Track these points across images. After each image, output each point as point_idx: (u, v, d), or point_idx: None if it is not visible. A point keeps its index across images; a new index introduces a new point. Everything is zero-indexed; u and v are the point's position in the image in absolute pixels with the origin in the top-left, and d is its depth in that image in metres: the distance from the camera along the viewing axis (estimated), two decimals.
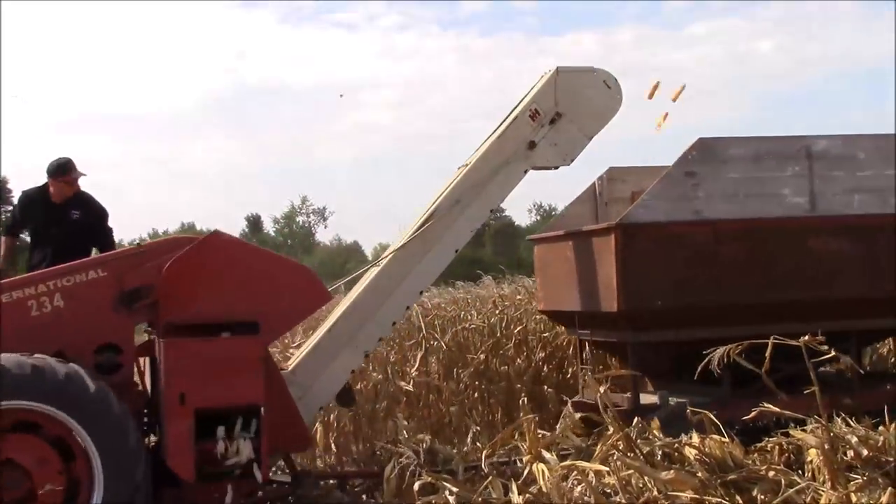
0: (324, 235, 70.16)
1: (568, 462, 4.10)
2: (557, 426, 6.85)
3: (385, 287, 6.91)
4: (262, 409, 5.68)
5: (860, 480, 3.97)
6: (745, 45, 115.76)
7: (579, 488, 3.92)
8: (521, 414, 4.48)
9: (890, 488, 3.87)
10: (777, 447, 4.63)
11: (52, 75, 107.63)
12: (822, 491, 3.77)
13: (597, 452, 4.17)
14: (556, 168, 7.33)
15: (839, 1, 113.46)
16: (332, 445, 9.35)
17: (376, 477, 6.88)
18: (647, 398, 7.60)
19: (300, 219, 79.64)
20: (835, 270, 7.52)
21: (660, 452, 4.38)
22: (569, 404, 8.33)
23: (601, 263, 7.37)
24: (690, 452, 4.38)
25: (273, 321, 6.04)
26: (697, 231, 7.32)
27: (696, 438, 4.48)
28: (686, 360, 7.77)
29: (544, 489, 4.06)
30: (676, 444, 4.40)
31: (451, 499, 4.45)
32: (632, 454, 4.12)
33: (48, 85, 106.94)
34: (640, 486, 3.87)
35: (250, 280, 6.05)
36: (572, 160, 7.25)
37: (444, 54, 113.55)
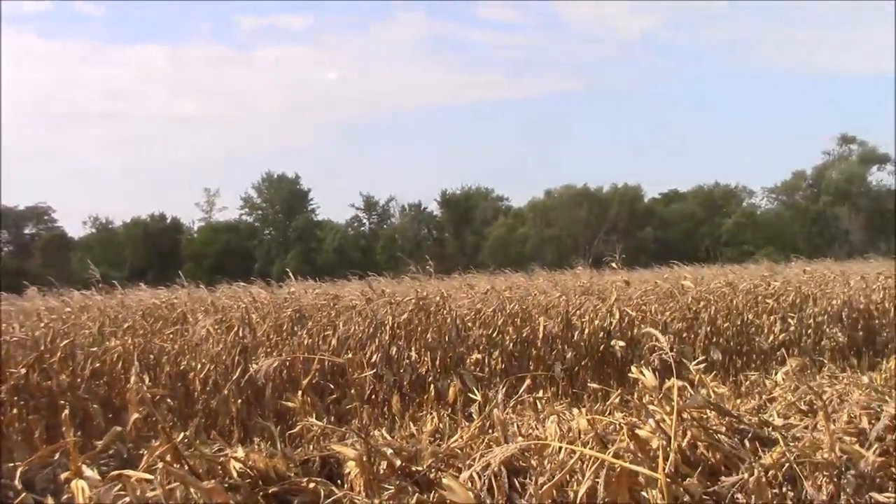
0: None
1: (114, 473, 3.99)
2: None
3: None
4: None
5: (392, 490, 4.26)
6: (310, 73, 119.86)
7: (123, 501, 3.84)
8: (64, 430, 4.28)
9: (417, 495, 4.20)
10: (319, 459, 4.82)
11: None
12: (358, 500, 4.00)
13: (142, 463, 4.10)
14: None
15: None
16: None
17: None
18: None
19: None
20: None
21: (205, 466, 4.39)
22: None
23: None
24: (235, 466, 4.44)
25: None
26: None
27: (241, 452, 4.55)
28: None
29: None
30: (223, 458, 4.44)
31: None
32: (178, 465, 4.11)
33: None
34: (187, 497, 3.87)
35: None
36: None
37: None
